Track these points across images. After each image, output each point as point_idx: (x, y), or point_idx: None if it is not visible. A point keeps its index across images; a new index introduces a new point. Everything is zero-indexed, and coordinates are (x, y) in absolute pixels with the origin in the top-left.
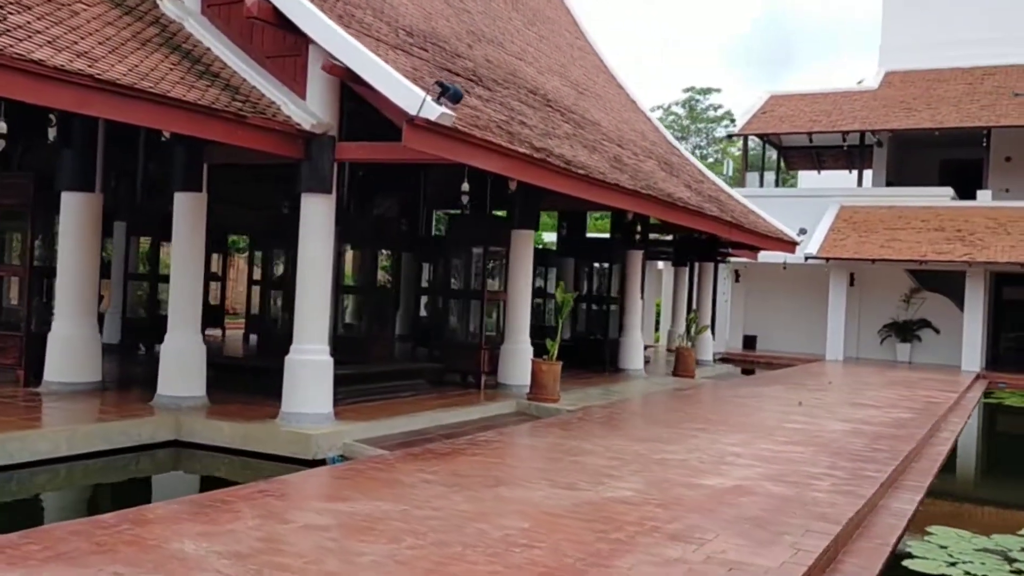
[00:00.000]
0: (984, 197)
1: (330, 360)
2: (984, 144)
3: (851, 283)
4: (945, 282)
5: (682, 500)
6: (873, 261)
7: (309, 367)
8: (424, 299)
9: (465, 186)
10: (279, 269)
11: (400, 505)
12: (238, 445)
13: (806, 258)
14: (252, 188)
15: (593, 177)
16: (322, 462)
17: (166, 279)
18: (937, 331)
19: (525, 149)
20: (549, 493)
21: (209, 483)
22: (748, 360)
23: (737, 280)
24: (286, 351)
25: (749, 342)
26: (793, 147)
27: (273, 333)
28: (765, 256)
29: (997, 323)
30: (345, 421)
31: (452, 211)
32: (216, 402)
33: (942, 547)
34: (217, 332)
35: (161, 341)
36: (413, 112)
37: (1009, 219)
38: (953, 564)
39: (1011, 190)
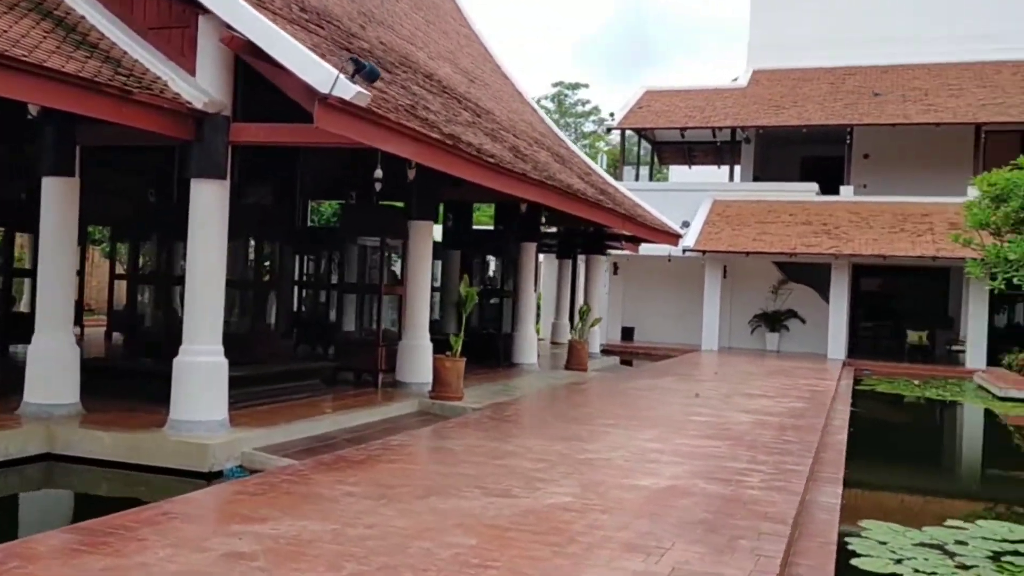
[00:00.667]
0: (847, 192)
1: (224, 362)
2: (848, 142)
3: (724, 275)
4: (810, 274)
5: (623, 504)
6: (747, 254)
7: (202, 369)
8: (303, 294)
9: (378, 172)
10: (146, 262)
11: (329, 524)
12: (122, 458)
13: (684, 251)
14: (115, 175)
15: (503, 166)
16: (219, 474)
17: (22, 273)
18: (803, 321)
19: (438, 135)
20: (486, 502)
21: (92, 502)
22: (627, 351)
23: (615, 273)
24: (157, 350)
25: (627, 334)
26: (666, 142)
27: (141, 331)
28: (643, 249)
29: (855, 313)
30: (241, 428)
31: (327, 201)
32: (92, 409)
33: (881, 543)
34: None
35: (16, 341)
36: (325, 90)
37: (870, 213)
38: (899, 562)
39: (868, 186)
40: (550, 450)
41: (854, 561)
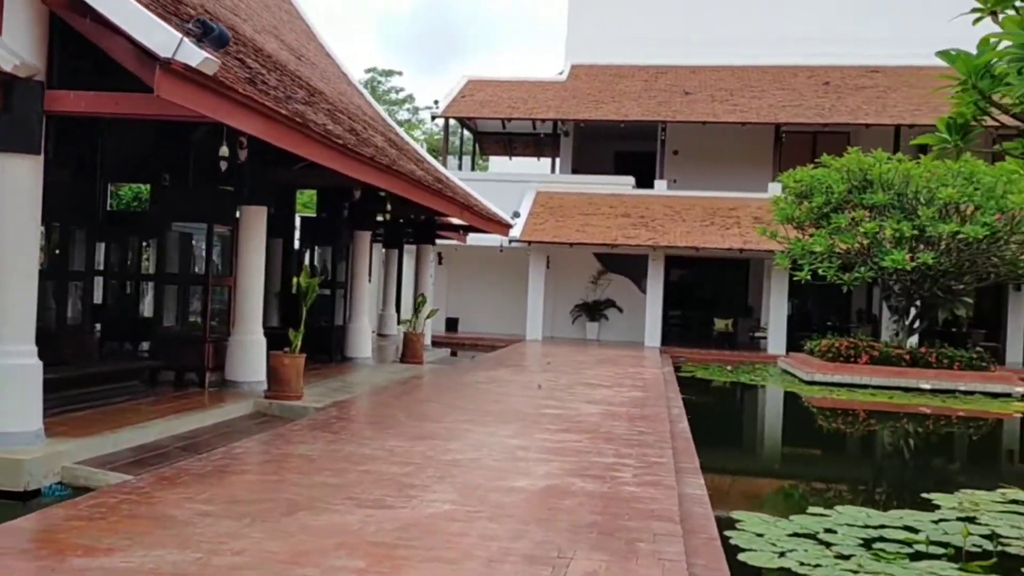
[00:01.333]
0: (661, 187)
1: (39, 363)
2: (662, 138)
3: (547, 266)
4: (626, 264)
5: (508, 509)
6: (571, 245)
7: (12, 373)
8: (106, 286)
9: (224, 150)
10: None
11: (190, 552)
12: None
13: (510, 241)
14: None
15: (351, 148)
16: (36, 494)
17: None
18: (621, 310)
19: (287, 112)
20: (362, 516)
21: None
22: (454, 342)
23: (440, 263)
24: None
25: (451, 324)
26: (488, 132)
27: None
28: (471, 239)
29: (666, 302)
30: (59, 439)
31: (128, 184)
32: None
33: (759, 535)
34: None
35: None
36: (166, 54)
37: (683, 207)
38: (782, 555)
39: (678, 180)
40: (413, 452)
41: (741, 556)
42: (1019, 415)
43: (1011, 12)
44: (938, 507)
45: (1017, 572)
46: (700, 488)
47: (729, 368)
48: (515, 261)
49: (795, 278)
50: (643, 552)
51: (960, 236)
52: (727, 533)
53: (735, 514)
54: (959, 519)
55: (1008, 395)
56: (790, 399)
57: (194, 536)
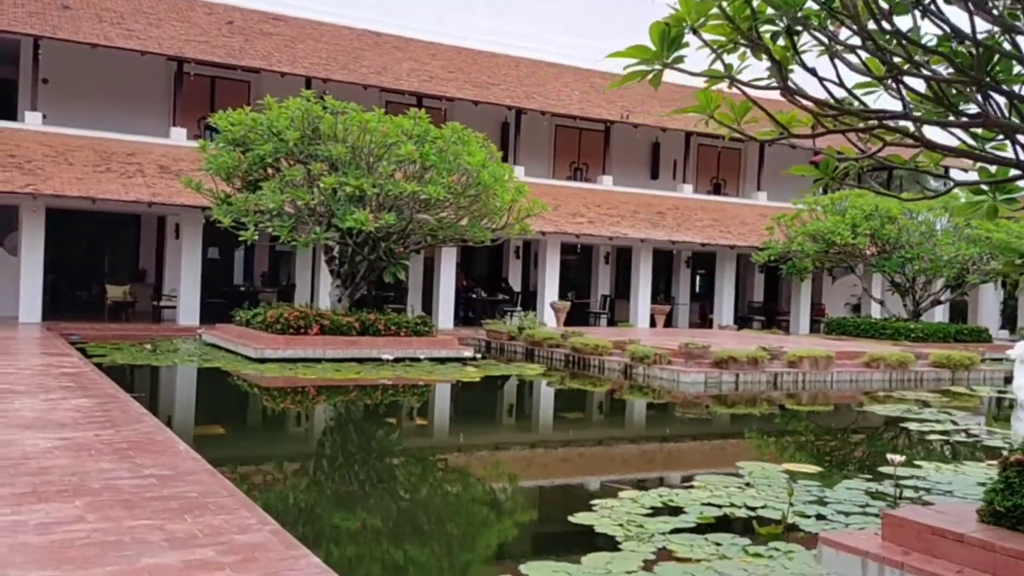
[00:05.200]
0: (34, 120)
1: None
2: (34, 61)
3: None
4: None
5: None
6: None
7: None
8: None
9: None
10: None
11: None
12: None
13: None
14: None
15: None
16: None
17: None
18: None
19: None
20: None
21: None
22: None
23: None
24: None
25: None
26: None
27: None
28: None
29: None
30: None
31: None
32: None
33: None
34: None
35: None
36: None
37: (67, 147)
38: None
39: (48, 116)
40: None
41: None
42: (479, 379)
43: None
44: (619, 545)
45: None
46: (315, 570)
47: (148, 347)
48: None
49: (241, 239)
50: None
51: (423, 197)
52: None
53: None
54: (628, 536)
55: (456, 359)
56: (255, 383)
57: None
